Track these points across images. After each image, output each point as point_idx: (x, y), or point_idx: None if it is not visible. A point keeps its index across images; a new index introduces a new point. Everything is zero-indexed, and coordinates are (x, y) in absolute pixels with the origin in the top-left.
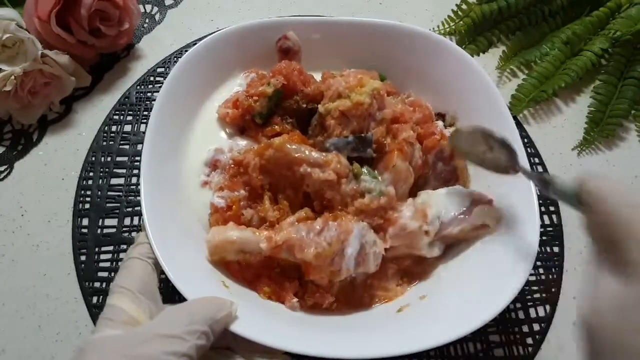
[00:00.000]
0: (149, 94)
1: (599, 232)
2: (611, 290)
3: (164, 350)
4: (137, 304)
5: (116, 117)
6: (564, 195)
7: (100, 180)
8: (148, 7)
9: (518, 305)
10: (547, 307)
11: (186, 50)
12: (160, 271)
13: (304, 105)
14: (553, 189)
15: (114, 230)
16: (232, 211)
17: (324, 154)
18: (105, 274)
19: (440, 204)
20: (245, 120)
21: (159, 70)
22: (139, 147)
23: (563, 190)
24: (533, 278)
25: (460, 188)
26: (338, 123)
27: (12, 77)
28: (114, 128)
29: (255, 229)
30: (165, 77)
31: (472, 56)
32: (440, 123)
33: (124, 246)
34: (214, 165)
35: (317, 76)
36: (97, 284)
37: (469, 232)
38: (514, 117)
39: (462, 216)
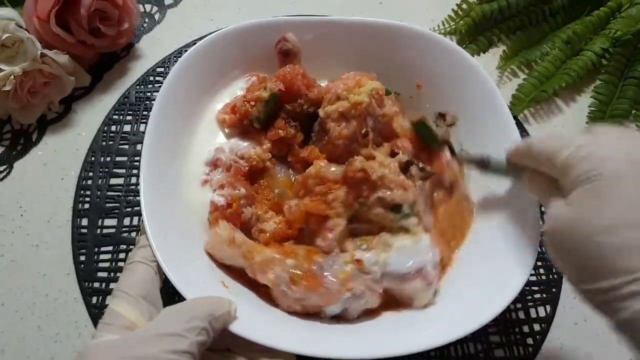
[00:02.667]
0: (148, 94)
1: (536, 177)
2: (559, 209)
3: (165, 348)
4: (137, 308)
5: (116, 117)
6: (500, 168)
7: (100, 180)
8: (148, 7)
9: (518, 305)
10: (548, 307)
11: (186, 50)
12: (163, 274)
13: (309, 109)
14: (491, 167)
15: (113, 230)
16: (232, 209)
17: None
18: (104, 274)
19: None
20: (244, 125)
21: (158, 70)
22: (139, 147)
23: (498, 164)
24: (533, 278)
25: (424, 246)
26: (337, 125)
27: (12, 76)
28: (113, 128)
29: (247, 249)
30: (165, 77)
31: (473, 56)
32: (448, 153)
33: (124, 246)
34: (214, 164)
35: (317, 77)
36: (96, 284)
37: (396, 293)
38: (515, 117)
39: (397, 277)
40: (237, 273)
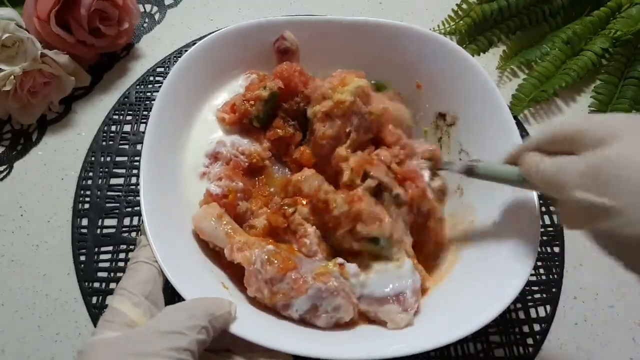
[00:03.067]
0: (148, 94)
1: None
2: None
3: (166, 346)
4: (139, 307)
5: (116, 117)
6: (491, 171)
7: (100, 180)
8: (148, 7)
9: (518, 305)
10: (548, 307)
11: (186, 50)
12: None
13: (305, 107)
14: (479, 173)
15: (113, 230)
16: (228, 199)
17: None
18: (104, 274)
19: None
20: (243, 124)
21: (158, 70)
22: (139, 147)
23: (488, 168)
24: (533, 278)
25: (406, 271)
26: (322, 125)
27: (12, 76)
28: (113, 128)
29: (232, 229)
30: (165, 77)
31: (473, 56)
32: (427, 174)
33: (124, 246)
34: (214, 156)
35: (317, 77)
36: (96, 284)
37: (371, 315)
38: (515, 117)
39: (373, 301)
40: (231, 270)
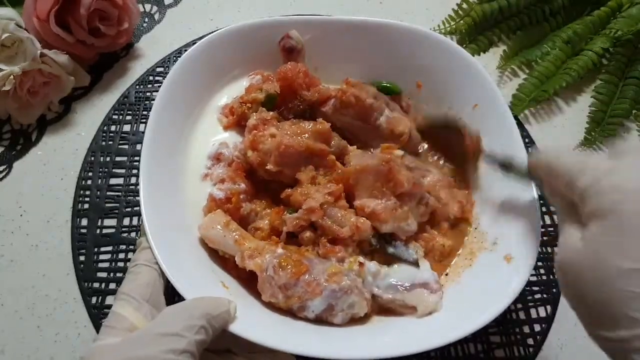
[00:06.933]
0: (148, 94)
1: (555, 193)
2: (574, 239)
3: (163, 348)
4: (140, 311)
5: (115, 116)
6: (521, 173)
7: (100, 180)
8: (147, 7)
9: (519, 305)
10: (548, 307)
11: (185, 50)
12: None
13: (304, 110)
14: (514, 169)
15: (113, 230)
16: (232, 203)
17: None
18: (104, 274)
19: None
20: (242, 126)
21: (158, 69)
22: (138, 147)
23: (520, 169)
24: (534, 278)
25: (423, 266)
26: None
27: (11, 76)
28: (113, 128)
29: (240, 235)
30: (165, 77)
31: (473, 55)
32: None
33: (123, 246)
34: (217, 158)
35: (317, 76)
36: (96, 284)
37: (398, 306)
38: (515, 117)
39: (401, 288)
40: (233, 269)
